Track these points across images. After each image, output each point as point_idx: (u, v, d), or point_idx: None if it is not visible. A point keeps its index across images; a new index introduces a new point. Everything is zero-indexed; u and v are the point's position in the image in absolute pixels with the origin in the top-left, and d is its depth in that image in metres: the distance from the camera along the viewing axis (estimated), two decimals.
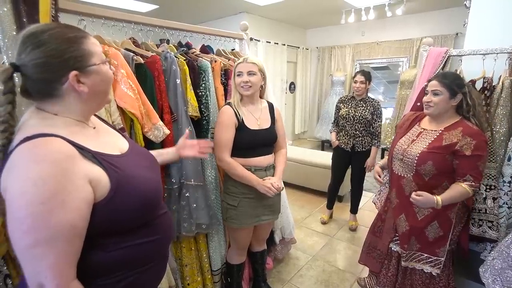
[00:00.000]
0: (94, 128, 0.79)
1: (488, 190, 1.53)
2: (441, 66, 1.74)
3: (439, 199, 1.30)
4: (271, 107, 1.60)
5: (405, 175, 1.47)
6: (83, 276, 0.66)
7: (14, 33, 1.08)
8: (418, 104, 1.74)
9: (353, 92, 2.58)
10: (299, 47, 6.42)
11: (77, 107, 0.71)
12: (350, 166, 2.77)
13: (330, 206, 2.98)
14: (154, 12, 4.88)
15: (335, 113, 2.75)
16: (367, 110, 2.50)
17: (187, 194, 1.50)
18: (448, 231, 1.43)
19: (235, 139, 1.46)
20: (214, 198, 1.66)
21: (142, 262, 0.78)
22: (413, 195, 1.33)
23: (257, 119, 1.51)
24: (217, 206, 1.68)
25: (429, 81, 1.48)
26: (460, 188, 1.32)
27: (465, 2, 2.18)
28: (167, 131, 1.33)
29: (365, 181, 2.78)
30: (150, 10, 4.81)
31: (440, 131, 1.40)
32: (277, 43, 5.76)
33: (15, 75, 0.67)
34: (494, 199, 1.52)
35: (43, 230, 0.58)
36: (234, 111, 1.45)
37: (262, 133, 1.51)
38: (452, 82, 1.35)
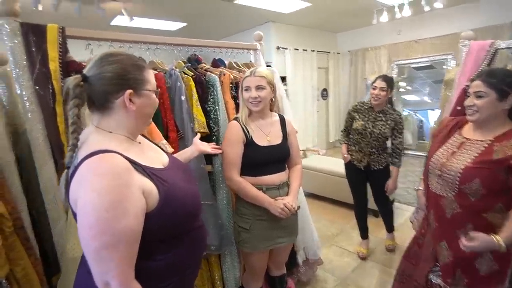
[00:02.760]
0: (140, 143, 0.87)
1: None
2: (485, 63, 1.47)
3: (500, 241, 1.02)
4: (282, 120, 1.49)
5: (445, 195, 1.22)
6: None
7: (24, 62, 1.13)
8: (458, 108, 1.49)
9: (370, 100, 2.17)
10: (329, 52, 6.20)
11: (125, 123, 0.80)
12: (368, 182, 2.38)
13: (364, 235, 2.49)
14: (183, 30, 5.09)
15: (346, 121, 2.32)
16: (387, 126, 2.12)
17: None
18: (506, 265, 1.15)
19: (244, 157, 1.37)
20: (226, 217, 1.58)
21: (183, 269, 0.85)
22: (464, 242, 1.04)
23: (266, 135, 1.41)
24: (230, 225, 1.60)
25: (471, 80, 1.24)
26: None
27: None
28: (170, 150, 1.29)
29: (405, 193, 2.46)
30: (179, 28, 5.03)
31: (489, 142, 1.14)
32: (306, 50, 5.62)
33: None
34: None
35: (109, 235, 0.65)
36: (242, 126, 1.37)
37: (273, 149, 1.40)
38: (501, 81, 1.10)
